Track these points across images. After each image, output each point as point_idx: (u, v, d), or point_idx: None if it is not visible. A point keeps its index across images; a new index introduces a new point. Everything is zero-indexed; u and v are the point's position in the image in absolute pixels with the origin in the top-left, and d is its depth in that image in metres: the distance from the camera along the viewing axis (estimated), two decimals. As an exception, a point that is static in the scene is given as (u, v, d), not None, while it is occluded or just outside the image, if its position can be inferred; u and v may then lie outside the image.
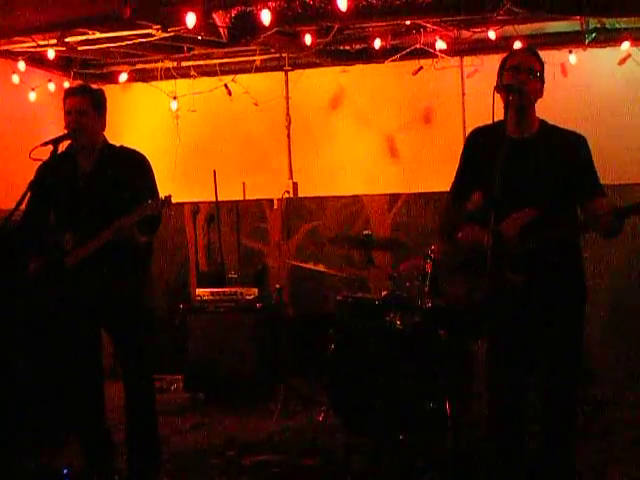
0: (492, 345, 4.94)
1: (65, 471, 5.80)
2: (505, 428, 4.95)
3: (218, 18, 6.89)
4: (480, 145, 4.97)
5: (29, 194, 5.52)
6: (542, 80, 4.80)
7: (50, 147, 5.53)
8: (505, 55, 4.91)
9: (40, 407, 6.75)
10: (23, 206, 5.45)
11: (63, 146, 5.76)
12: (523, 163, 4.74)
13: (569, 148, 4.78)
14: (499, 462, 5.03)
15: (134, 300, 5.82)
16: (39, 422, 6.70)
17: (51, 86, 9.03)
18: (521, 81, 4.70)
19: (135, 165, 5.79)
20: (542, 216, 4.65)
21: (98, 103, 5.74)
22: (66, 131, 5.71)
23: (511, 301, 4.66)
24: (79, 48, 7.91)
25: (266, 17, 6.62)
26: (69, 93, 5.77)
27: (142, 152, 5.88)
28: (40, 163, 5.60)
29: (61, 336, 5.89)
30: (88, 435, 5.92)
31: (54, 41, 7.57)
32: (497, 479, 5.07)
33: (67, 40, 7.51)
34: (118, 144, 5.88)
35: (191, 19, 6.63)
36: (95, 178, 5.67)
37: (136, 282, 5.86)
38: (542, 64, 4.82)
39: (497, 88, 4.74)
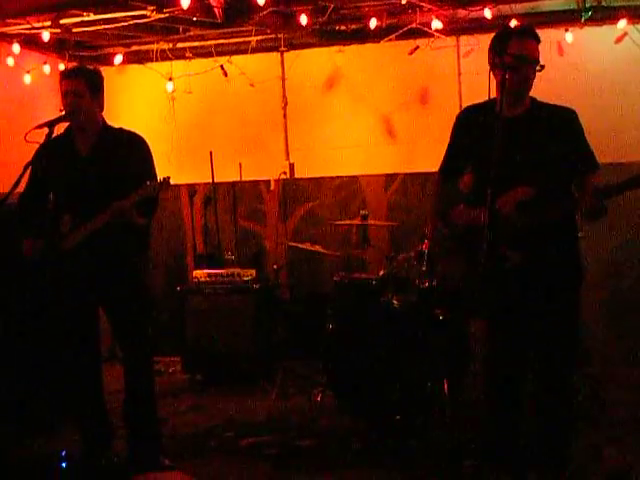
0: (489, 324, 4.95)
1: (63, 453, 5.80)
2: (503, 406, 4.98)
3: (212, -2, 6.89)
4: (471, 124, 4.99)
5: (27, 176, 5.53)
6: (541, 68, 4.80)
7: (46, 130, 5.53)
8: (503, 30, 4.88)
9: (38, 389, 6.75)
10: (20, 188, 5.44)
11: (61, 128, 5.75)
12: (516, 141, 4.74)
13: (560, 123, 4.80)
14: (496, 440, 5.06)
15: (133, 282, 5.84)
16: (37, 405, 6.70)
17: (46, 68, 8.98)
18: (528, 74, 4.72)
19: (134, 147, 5.79)
20: (538, 194, 4.66)
21: (94, 84, 5.73)
22: (62, 113, 5.70)
23: (508, 279, 4.67)
24: (74, 30, 7.87)
25: (261, -3, 6.62)
26: (64, 75, 5.77)
27: (141, 134, 5.88)
28: (38, 145, 5.58)
29: (59, 318, 5.89)
30: (86, 417, 5.94)
31: (49, 23, 7.53)
32: (495, 458, 5.10)
33: (62, 22, 7.47)
34: (117, 126, 5.87)
35: (185, 0, 6.62)
36: (93, 160, 5.68)
37: (135, 264, 5.88)
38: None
39: (494, 65, 4.73)
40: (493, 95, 4.87)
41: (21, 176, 5.35)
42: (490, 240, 4.42)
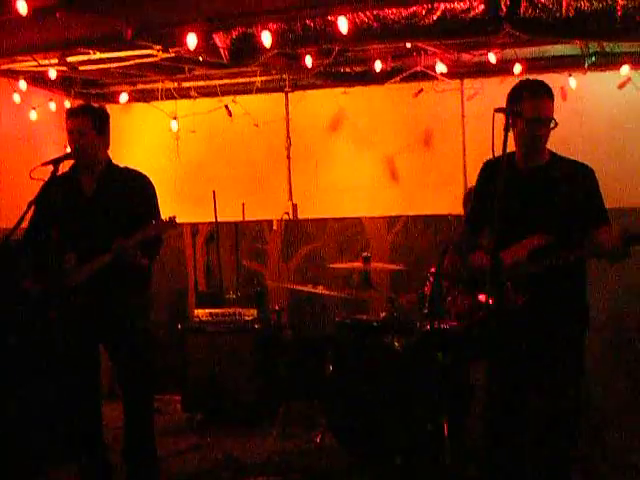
0: (491, 365, 4.95)
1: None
2: (502, 449, 4.96)
3: (219, 39, 6.88)
4: (490, 176, 5.04)
5: (31, 213, 5.56)
6: (555, 125, 4.89)
7: (51, 167, 5.56)
8: (517, 88, 4.95)
9: (37, 427, 6.72)
10: (23, 224, 5.46)
11: (67, 166, 5.78)
12: (532, 192, 4.87)
13: (577, 178, 4.88)
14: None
15: (134, 321, 5.84)
16: (37, 444, 6.67)
17: (52, 105, 9.03)
18: (544, 134, 4.83)
19: (138, 186, 5.83)
20: (552, 242, 4.71)
21: (100, 122, 5.78)
22: (68, 151, 5.74)
23: (513, 321, 4.69)
24: (80, 68, 7.91)
25: (267, 39, 6.63)
26: (70, 113, 5.82)
27: (145, 173, 5.91)
28: (43, 182, 5.59)
29: (60, 356, 5.89)
30: (86, 454, 5.92)
31: (55, 60, 7.57)
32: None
33: (69, 60, 7.52)
34: (122, 165, 5.90)
35: (192, 40, 6.66)
36: (98, 198, 5.71)
37: (136, 303, 5.88)
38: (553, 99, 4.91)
39: (509, 116, 4.77)
40: (497, 139, 4.91)
41: (25, 212, 5.40)
42: (492, 283, 4.46)
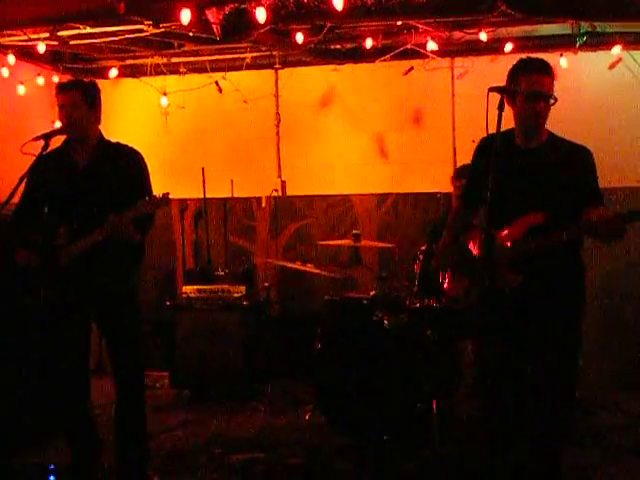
0: (485, 344, 4.95)
1: (52, 467, 5.77)
2: (497, 427, 4.97)
3: (211, 15, 6.86)
4: (486, 154, 5.00)
5: (23, 188, 5.52)
6: (555, 101, 4.87)
7: (42, 142, 5.52)
8: (516, 65, 4.94)
9: (26, 402, 6.71)
10: (15, 199, 5.43)
11: (58, 141, 5.74)
12: (529, 172, 4.85)
13: (575, 160, 4.86)
14: (489, 459, 5.07)
15: (127, 297, 5.81)
16: (25, 417, 6.67)
17: (40, 80, 8.97)
18: (541, 108, 4.80)
19: (131, 161, 5.79)
20: (548, 219, 4.71)
21: (91, 96, 5.72)
22: (59, 126, 5.70)
23: (509, 300, 4.70)
24: (71, 43, 7.86)
25: (261, 15, 6.60)
26: (61, 88, 5.74)
27: (138, 149, 5.88)
28: (35, 157, 5.55)
29: (51, 330, 5.87)
30: (74, 430, 5.90)
31: (45, 35, 7.52)
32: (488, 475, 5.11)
33: (59, 34, 7.46)
34: (114, 140, 5.87)
35: (185, 15, 6.61)
36: (90, 173, 5.66)
37: (129, 279, 5.86)
38: (554, 79, 4.90)
39: (508, 96, 4.76)
40: (490, 117, 4.90)
41: (16, 188, 5.36)
42: (486, 261, 4.47)
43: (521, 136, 4.94)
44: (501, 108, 4.65)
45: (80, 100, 5.64)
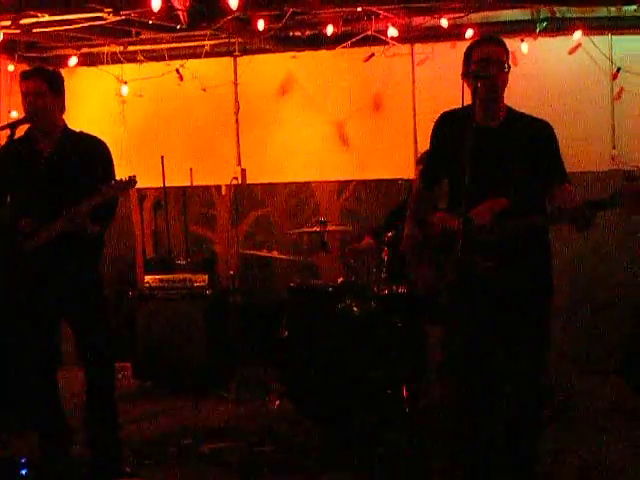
0: (455, 330, 4.94)
1: (23, 460, 5.72)
2: (468, 409, 4.97)
3: (177, 1, 6.80)
4: (447, 131, 4.99)
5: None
6: (509, 68, 4.83)
7: (7, 131, 5.46)
8: (471, 43, 4.92)
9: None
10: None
11: (22, 130, 5.67)
12: (491, 151, 4.77)
13: (536, 136, 4.83)
14: (462, 443, 5.08)
15: (92, 287, 5.78)
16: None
17: (-5, 69, 8.88)
18: (492, 74, 4.73)
19: (95, 152, 5.77)
20: (514, 205, 4.69)
21: (55, 85, 5.68)
22: (23, 115, 5.63)
23: (479, 286, 4.68)
24: (33, 30, 7.75)
25: (234, 2, 6.53)
26: (25, 76, 5.68)
27: (102, 139, 5.83)
28: (-1, 146, 5.50)
29: (17, 321, 5.81)
30: (43, 422, 5.85)
31: (5, 23, 7.41)
32: (460, 461, 5.12)
33: (21, 22, 7.36)
34: (78, 129, 5.82)
35: (156, 2, 6.51)
36: (55, 162, 5.62)
37: (93, 269, 5.82)
38: (508, 52, 4.86)
39: (465, 76, 4.75)
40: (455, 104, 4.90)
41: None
42: (463, 248, 4.45)
43: (481, 113, 4.82)
44: (475, 95, 4.66)
45: (45, 88, 5.59)
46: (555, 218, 4.73)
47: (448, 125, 5.00)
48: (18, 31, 7.73)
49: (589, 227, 4.56)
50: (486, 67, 4.73)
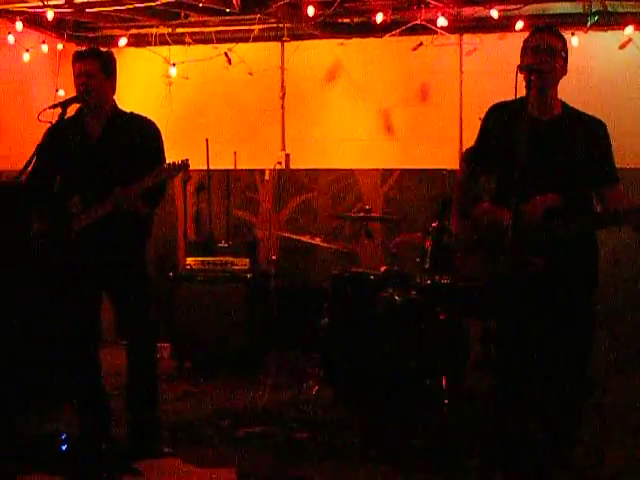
0: (504, 325, 4.94)
1: (63, 436, 5.77)
2: (511, 410, 4.96)
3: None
4: (499, 121, 4.95)
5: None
6: (565, 59, 4.79)
7: (58, 110, 5.49)
8: (528, 35, 4.89)
9: (36, 371, 6.70)
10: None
11: (73, 110, 5.70)
12: (543, 145, 4.75)
13: (590, 133, 4.80)
14: (500, 440, 5.07)
15: (136, 268, 5.83)
16: (35, 386, 6.65)
17: (44, 48, 8.92)
18: (541, 61, 4.69)
19: (146, 132, 5.82)
20: (565, 202, 4.66)
21: (107, 66, 5.74)
22: (75, 94, 5.67)
23: (530, 284, 4.65)
24: (87, 10, 7.79)
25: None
26: (78, 56, 5.72)
27: (153, 120, 5.86)
28: (49, 126, 5.52)
29: (62, 299, 5.86)
30: (86, 401, 5.90)
31: (55, 2, 7.45)
32: (496, 458, 5.11)
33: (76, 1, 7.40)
34: (128, 110, 5.85)
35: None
36: (104, 142, 5.66)
37: (138, 251, 5.87)
38: (564, 42, 4.83)
39: (519, 68, 4.72)
40: (503, 97, 4.87)
41: (33, 156, 5.32)
42: (513, 242, 4.43)
43: (534, 105, 4.78)
44: (529, 86, 4.64)
45: (98, 68, 5.65)
46: (611, 219, 4.68)
47: (500, 116, 4.96)
48: (70, 10, 7.76)
49: None
50: (537, 55, 4.70)
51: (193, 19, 8.69)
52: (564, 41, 4.84)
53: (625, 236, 5.81)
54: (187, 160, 5.59)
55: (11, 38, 8.42)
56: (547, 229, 4.65)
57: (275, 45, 9.33)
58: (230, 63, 9.08)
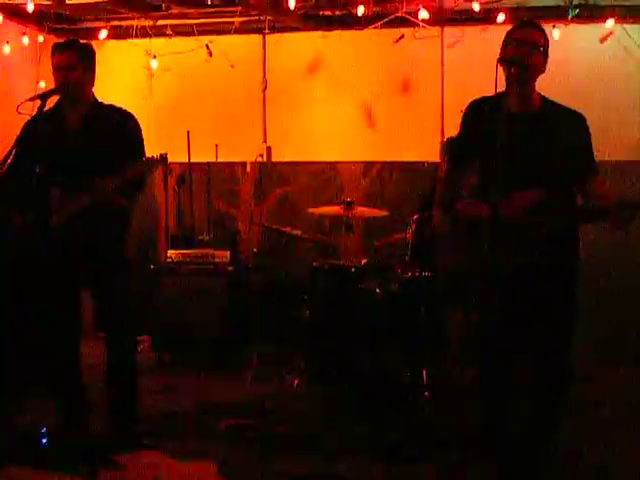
0: (485, 317, 4.93)
1: (43, 429, 5.74)
2: (494, 396, 4.97)
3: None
4: (480, 116, 4.94)
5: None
6: (545, 55, 4.79)
7: (37, 102, 5.45)
8: (511, 28, 4.89)
9: (14, 363, 6.67)
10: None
11: (52, 101, 5.67)
12: (523, 139, 4.73)
13: (570, 127, 4.80)
14: (484, 430, 5.08)
15: (117, 260, 5.80)
16: (16, 379, 6.63)
17: (25, 40, 8.87)
18: (522, 54, 4.69)
19: (125, 124, 5.78)
20: (548, 197, 4.66)
21: (87, 58, 5.72)
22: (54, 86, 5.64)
23: (511, 279, 4.66)
24: (67, 2, 7.76)
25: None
26: (58, 48, 5.69)
27: (132, 112, 5.84)
28: (27, 118, 5.50)
29: (41, 291, 5.83)
30: (64, 392, 5.88)
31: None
32: (480, 447, 5.13)
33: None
34: (107, 102, 5.82)
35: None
36: (83, 134, 5.64)
37: (121, 242, 5.84)
38: (546, 38, 4.82)
39: (500, 60, 4.72)
40: (485, 89, 4.86)
41: (12, 149, 5.31)
42: (492, 236, 4.44)
43: (514, 99, 4.76)
44: (509, 79, 4.65)
45: (77, 61, 5.62)
46: (599, 214, 4.68)
47: (479, 112, 4.96)
48: (50, 2, 7.73)
49: (629, 223, 4.54)
50: (518, 48, 4.70)
51: (174, 11, 8.66)
52: (547, 38, 4.83)
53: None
54: (165, 154, 5.57)
55: (-8, 30, 8.38)
56: (533, 224, 4.64)
57: (256, 37, 9.33)
58: (211, 55, 9.08)
